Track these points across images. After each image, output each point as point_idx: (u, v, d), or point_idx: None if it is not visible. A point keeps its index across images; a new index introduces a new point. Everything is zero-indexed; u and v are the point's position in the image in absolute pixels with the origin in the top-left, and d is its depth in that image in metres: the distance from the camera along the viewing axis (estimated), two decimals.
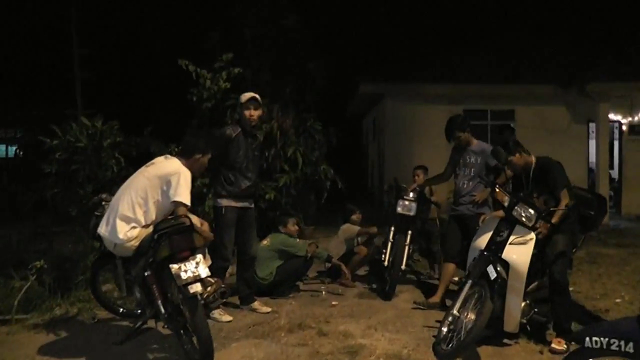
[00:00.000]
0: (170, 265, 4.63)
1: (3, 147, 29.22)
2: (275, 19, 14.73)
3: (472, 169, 7.09)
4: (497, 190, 5.60)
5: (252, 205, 6.89)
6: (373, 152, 22.13)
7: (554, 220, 5.47)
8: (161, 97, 13.79)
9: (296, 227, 7.97)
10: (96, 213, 5.62)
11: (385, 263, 7.69)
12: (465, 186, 7.13)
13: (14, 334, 6.22)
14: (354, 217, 9.00)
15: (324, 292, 7.79)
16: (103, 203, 5.68)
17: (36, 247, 9.36)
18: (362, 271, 9.03)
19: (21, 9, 24.63)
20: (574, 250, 6.22)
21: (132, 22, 23.33)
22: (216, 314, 6.46)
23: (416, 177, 8.70)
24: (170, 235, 4.76)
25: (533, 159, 5.97)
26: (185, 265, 4.63)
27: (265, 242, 7.65)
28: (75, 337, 6.08)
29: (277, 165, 10.97)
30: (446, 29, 26.90)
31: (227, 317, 6.46)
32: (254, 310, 6.85)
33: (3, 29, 23.27)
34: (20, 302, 6.78)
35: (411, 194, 7.80)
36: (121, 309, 6.50)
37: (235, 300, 7.08)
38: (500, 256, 5.36)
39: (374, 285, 8.24)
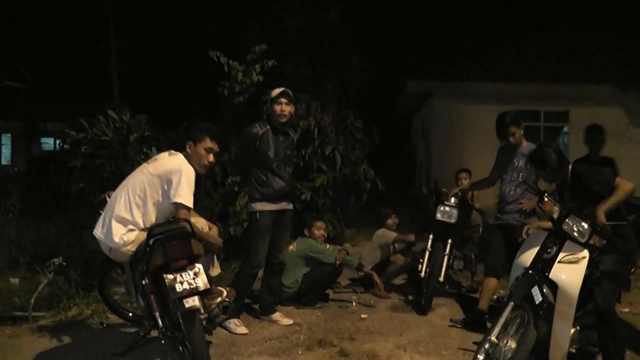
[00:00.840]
0: (165, 276, 4.10)
1: (52, 140, 29.44)
2: (318, 12, 14.16)
3: (521, 174, 6.42)
4: (546, 199, 4.89)
5: (291, 206, 6.40)
6: (421, 153, 21.49)
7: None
8: (198, 92, 13.36)
9: (324, 232, 7.40)
10: (100, 211, 5.12)
11: (422, 274, 7.06)
12: (511, 192, 6.46)
13: (16, 337, 5.83)
14: (389, 221, 8.39)
15: (354, 303, 7.20)
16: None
17: (69, 240, 9.01)
18: (399, 280, 8.40)
19: (60, 5, 24.59)
20: (632, 270, 5.52)
21: (169, 15, 23.02)
22: (232, 324, 5.93)
23: (461, 181, 8.06)
24: (164, 241, 4.22)
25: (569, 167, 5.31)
26: (181, 275, 4.09)
27: (291, 247, 7.10)
28: (77, 344, 5.63)
29: (314, 165, 10.44)
30: (497, 26, 26.06)
31: (242, 329, 5.93)
32: (274, 321, 6.31)
33: (44, 25, 23.26)
34: (42, 298, 6.56)
35: (452, 200, 7.15)
36: (130, 314, 6.05)
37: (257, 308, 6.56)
38: (548, 276, 4.68)
39: (410, 297, 7.63)
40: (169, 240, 4.22)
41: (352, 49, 14.91)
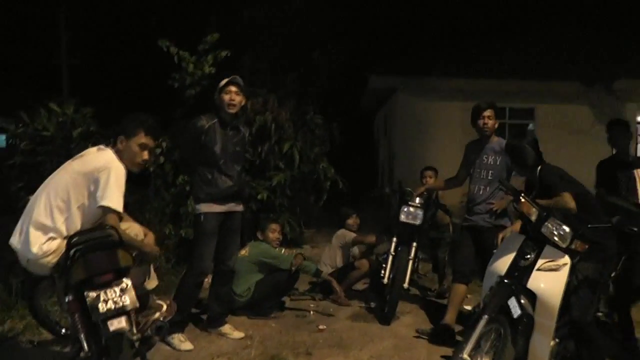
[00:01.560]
0: (86, 293, 3.49)
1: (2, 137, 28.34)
2: (278, 1, 13.55)
3: (491, 172, 5.94)
4: (523, 200, 4.39)
5: (240, 208, 5.74)
6: (384, 151, 21.04)
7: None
8: (151, 86, 12.69)
9: (278, 235, 6.81)
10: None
11: (385, 280, 6.54)
12: (481, 192, 5.97)
13: None
14: (350, 221, 7.88)
15: (312, 312, 6.65)
16: None
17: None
18: (361, 284, 7.86)
19: None
20: (612, 274, 5.08)
21: (121, 4, 21.99)
22: (175, 340, 5.33)
23: (426, 180, 7.56)
24: (86, 252, 3.60)
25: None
26: (105, 293, 3.49)
27: (243, 252, 6.53)
28: None
29: (271, 162, 9.89)
30: (462, 21, 25.61)
31: (187, 345, 5.32)
32: (224, 335, 5.71)
33: None
34: None
35: (417, 200, 6.64)
36: (63, 331, 5.38)
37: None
38: (526, 285, 4.18)
39: (372, 304, 7.10)
40: (91, 251, 3.60)
41: (314, 41, 14.35)
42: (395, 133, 17.39)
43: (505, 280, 4.24)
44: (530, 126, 16.92)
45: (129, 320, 3.50)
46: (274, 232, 6.70)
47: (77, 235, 3.70)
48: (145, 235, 4.27)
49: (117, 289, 3.51)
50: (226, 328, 5.76)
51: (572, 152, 14.39)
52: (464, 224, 6.11)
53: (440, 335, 5.78)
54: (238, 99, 5.51)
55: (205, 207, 5.43)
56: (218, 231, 5.51)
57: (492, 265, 4.48)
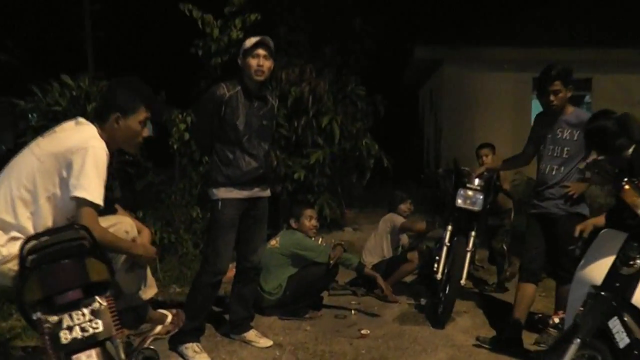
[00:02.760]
0: (43, 317, 2.59)
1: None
2: None
3: (566, 149, 4.93)
4: (627, 186, 3.38)
5: (267, 193, 4.85)
6: (429, 128, 19.98)
7: None
8: (176, 55, 11.83)
9: (315, 222, 5.91)
10: None
11: (439, 275, 5.61)
12: (554, 172, 4.97)
13: None
14: (402, 207, 6.94)
15: (353, 312, 5.77)
16: None
17: None
18: (410, 276, 6.95)
19: None
20: None
21: None
22: (189, 350, 4.47)
23: (483, 159, 6.59)
24: (43, 263, 2.67)
25: None
26: (70, 317, 2.59)
27: (273, 242, 5.66)
28: None
29: (309, 138, 8.98)
30: None
31: (203, 357, 4.45)
32: (248, 343, 4.85)
33: None
34: None
35: (476, 182, 5.68)
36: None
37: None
38: (630, 300, 3.21)
39: (423, 301, 6.20)
40: (50, 260, 2.67)
41: (355, 10, 13.33)
42: (442, 108, 16.36)
43: (603, 294, 3.26)
44: (587, 98, 15.73)
45: (103, 354, 2.60)
46: (309, 220, 5.80)
47: (34, 238, 2.77)
48: (139, 232, 3.38)
49: (87, 312, 2.60)
50: (251, 335, 4.90)
51: None
52: (532, 211, 5.13)
53: (505, 345, 4.85)
54: (267, 64, 4.58)
55: (223, 193, 4.55)
56: (239, 221, 4.65)
57: (582, 270, 3.50)
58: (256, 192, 4.69)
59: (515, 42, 15.28)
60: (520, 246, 6.58)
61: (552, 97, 4.91)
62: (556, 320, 4.41)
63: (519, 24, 16.06)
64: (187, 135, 7.82)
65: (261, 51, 4.55)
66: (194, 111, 7.81)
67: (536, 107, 15.91)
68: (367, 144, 9.34)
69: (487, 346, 4.89)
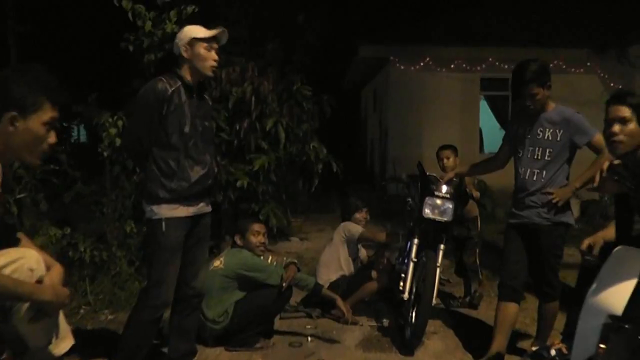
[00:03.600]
0: None
1: None
2: None
3: (549, 150, 4.36)
4: None
5: (209, 208, 4.12)
6: (373, 128, 19.51)
7: None
8: (106, 52, 10.94)
9: (263, 238, 5.15)
10: None
11: (405, 295, 4.97)
12: (535, 177, 4.40)
13: None
14: (358, 215, 6.24)
15: (309, 339, 5.08)
16: None
17: None
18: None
19: None
20: None
21: None
22: None
23: (444, 161, 5.98)
24: None
25: None
26: None
27: (217, 262, 4.93)
28: None
29: (252, 143, 8.25)
30: None
31: None
32: None
33: None
34: None
35: (444, 189, 5.05)
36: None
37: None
38: None
39: (386, 322, 5.56)
40: None
41: (297, 5, 12.66)
42: (387, 108, 15.88)
43: (627, 326, 2.66)
44: None
45: None
46: (257, 235, 5.06)
47: None
48: (48, 268, 2.60)
49: None
50: None
51: None
52: (511, 222, 4.55)
53: None
54: (216, 58, 3.90)
55: (167, 211, 3.80)
56: (183, 243, 3.93)
57: (595, 296, 2.87)
58: (202, 207, 3.98)
59: (463, 40, 15.02)
60: (488, 259, 6.04)
61: (529, 102, 4.36)
62: (552, 352, 3.81)
63: (467, 22, 15.79)
64: (118, 141, 7.00)
65: (216, 44, 3.88)
66: (126, 113, 7.01)
67: (484, 108, 15.66)
68: (315, 148, 8.67)
69: None
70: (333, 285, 5.70)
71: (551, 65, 14.47)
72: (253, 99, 8.17)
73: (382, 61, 15.83)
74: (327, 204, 12.96)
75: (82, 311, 5.73)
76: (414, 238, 5.09)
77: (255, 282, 4.86)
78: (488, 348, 4.39)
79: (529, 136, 4.44)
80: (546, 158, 4.37)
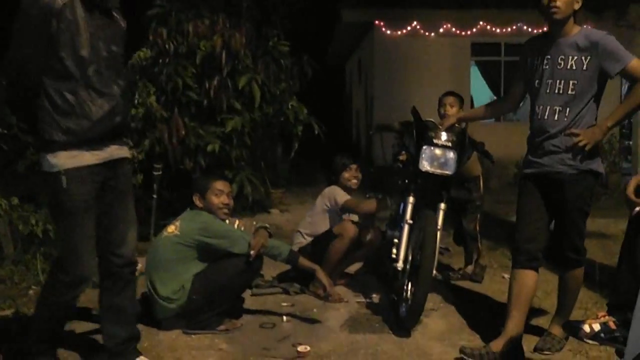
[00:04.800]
0: None
1: None
2: None
3: (572, 82, 3.51)
4: None
5: (126, 152, 3.24)
6: (358, 100, 18.72)
7: None
8: None
9: (227, 199, 4.25)
10: None
11: (399, 264, 4.14)
12: (556, 116, 3.55)
13: None
14: (346, 175, 5.31)
15: (285, 319, 4.25)
16: None
17: None
18: (354, 266, 5.49)
19: None
20: None
21: None
22: None
23: (447, 109, 5.12)
24: None
25: None
26: None
27: (171, 228, 4.07)
28: None
29: (224, 102, 7.40)
30: None
31: None
32: None
33: None
34: None
35: (445, 136, 4.20)
36: None
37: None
38: None
39: (375, 297, 4.74)
40: None
41: None
42: (373, 76, 15.03)
43: None
44: None
45: None
46: (219, 195, 4.18)
47: None
48: None
49: None
50: None
51: None
52: (527, 171, 3.72)
53: (502, 358, 3.47)
54: None
55: (66, 160, 2.91)
56: (94, 200, 3.06)
57: None
58: (114, 152, 3.08)
59: (452, 2, 14.11)
60: (487, 229, 5.27)
61: (553, 10, 3.51)
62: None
63: None
64: None
65: None
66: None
67: (475, 74, 14.85)
68: (294, 108, 7.82)
69: (471, 359, 3.47)
70: (301, 251, 4.80)
71: (545, 28, 14.38)
72: (224, 53, 7.32)
73: (367, 26, 15.00)
74: (309, 176, 12.13)
75: (31, 292, 4.87)
76: (409, 196, 4.25)
77: (218, 251, 4.00)
78: (501, 327, 3.59)
79: (548, 67, 3.60)
80: (569, 92, 3.53)
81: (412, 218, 4.19)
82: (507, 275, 5.43)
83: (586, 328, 2.76)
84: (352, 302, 4.66)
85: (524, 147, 3.78)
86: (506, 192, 9.57)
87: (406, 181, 4.59)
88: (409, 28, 14.25)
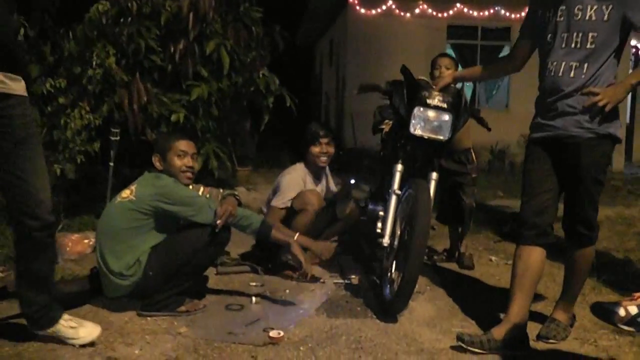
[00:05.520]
0: None
1: None
2: None
3: (591, 35, 3.07)
4: None
5: (20, 87, 2.66)
6: (329, 84, 18.21)
7: None
8: None
9: (190, 161, 3.69)
10: None
11: (385, 240, 3.64)
12: (572, 73, 3.11)
13: None
14: (315, 149, 4.81)
15: (254, 300, 3.75)
16: None
17: None
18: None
19: None
20: None
21: None
22: None
23: (443, 71, 4.60)
24: None
25: None
26: None
27: (126, 193, 3.52)
28: None
29: (190, 69, 6.81)
30: None
31: None
32: (62, 340, 2.81)
33: None
34: None
35: (438, 97, 3.70)
36: None
37: None
38: None
39: (355, 278, 4.26)
40: None
41: None
42: (344, 58, 14.58)
43: None
44: (506, 49, 14.30)
45: None
46: (182, 157, 3.64)
47: None
48: None
49: None
50: (62, 326, 2.86)
51: None
52: (536, 136, 3.28)
53: (506, 347, 3.02)
54: None
55: None
56: None
57: None
58: None
59: None
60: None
61: None
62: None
63: None
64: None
65: None
66: None
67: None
68: (265, 77, 7.27)
69: (477, 349, 3.01)
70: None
71: (523, 13, 14.03)
72: (191, 15, 6.72)
73: (340, 4, 14.50)
74: (278, 158, 11.59)
75: None
76: (397, 164, 3.76)
77: (179, 221, 3.49)
78: (496, 312, 3.15)
79: (563, 18, 3.14)
80: (588, 46, 3.08)
81: (400, 188, 3.70)
82: (494, 258, 5.11)
83: (621, 312, 2.32)
84: (329, 283, 4.18)
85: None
86: (481, 178, 9.21)
87: (392, 149, 4.09)
88: (384, 7, 13.82)
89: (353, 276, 4.27)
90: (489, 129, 4.20)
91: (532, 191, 3.22)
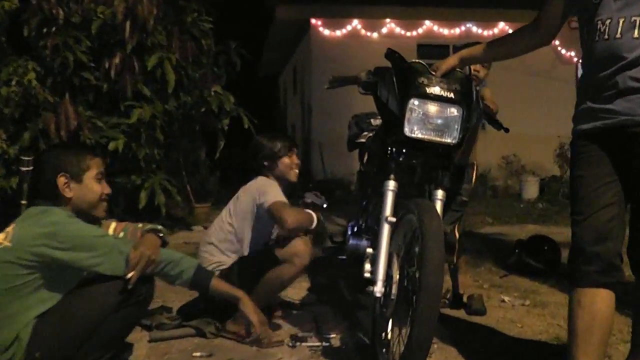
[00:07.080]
0: None
1: None
2: None
3: None
4: None
5: None
6: (294, 113, 17.44)
7: None
8: None
9: (107, 187, 2.60)
10: None
11: (377, 287, 2.54)
12: (635, 32, 2.12)
13: None
14: (286, 160, 3.65)
15: None
16: None
17: None
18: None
19: None
20: None
21: None
22: None
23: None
24: None
25: None
26: None
27: None
28: None
29: (129, 87, 5.82)
30: None
31: None
32: None
33: None
34: None
35: (441, 84, 2.65)
36: None
37: None
38: None
39: (333, 338, 3.19)
40: None
41: None
42: (310, 81, 13.82)
43: None
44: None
45: None
46: (100, 181, 2.52)
47: None
48: None
49: None
50: None
51: (531, 96, 12.57)
52: (585, 127, 2.28)
53: None
54: None
55: None
56: None
57: None
58: None
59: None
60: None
61: None
62: None
63: None
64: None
65: None
66: None
67: None
68: (219, 95, 6.26)
69: None
70: (226, 275, 3.21)
71: (496, 29, 13.47)
72: (128, 23, 5.75)
73: (303, 26, 13.78)
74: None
75: None
76: (389, 180, 2.71)
77: (76, 273, 2.40)
78: None
79: None
80: None
81: (393, 213, 2.65)
82: (507, 298, 4.08)
83: None
84: (301, 348, 3.08)
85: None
86: (474, 199, 8.34)
87: (380, 162, 3.03)
88: (349, 27, 13.20)
89: (333, 334, 3.20)
90: (507, 130, 3.14)
91: (587, 208, 2.21)
